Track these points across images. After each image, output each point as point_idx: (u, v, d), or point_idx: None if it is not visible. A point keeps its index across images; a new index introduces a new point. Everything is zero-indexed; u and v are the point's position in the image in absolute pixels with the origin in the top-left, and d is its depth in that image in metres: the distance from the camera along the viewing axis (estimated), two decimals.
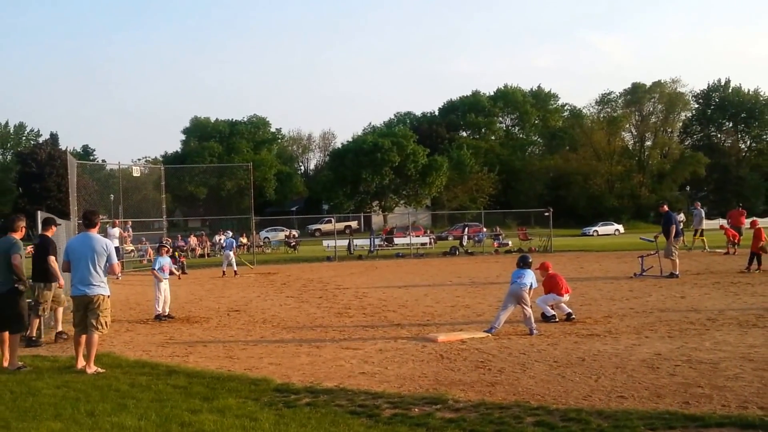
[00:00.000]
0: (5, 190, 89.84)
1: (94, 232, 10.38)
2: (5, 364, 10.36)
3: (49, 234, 12.55)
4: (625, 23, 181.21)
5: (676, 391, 8.47)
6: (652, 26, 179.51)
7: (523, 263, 13.62)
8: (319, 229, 77.30)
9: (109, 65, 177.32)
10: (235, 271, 28.89)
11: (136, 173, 37.37)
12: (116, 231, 26.64)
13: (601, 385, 8.90)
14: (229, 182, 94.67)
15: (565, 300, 14.60)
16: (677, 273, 21.74)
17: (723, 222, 43.29)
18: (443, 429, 7.15)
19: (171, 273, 17.39)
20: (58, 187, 30.79)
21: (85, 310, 10.15)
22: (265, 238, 62.83)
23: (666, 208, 23.60)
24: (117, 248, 27.00)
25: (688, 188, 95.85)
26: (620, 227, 79.15)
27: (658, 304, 16.28)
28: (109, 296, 10.46)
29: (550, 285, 14.74)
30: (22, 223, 10.95)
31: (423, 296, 19.45)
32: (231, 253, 29.69)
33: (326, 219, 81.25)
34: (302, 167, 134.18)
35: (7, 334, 10.37)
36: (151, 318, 16.28)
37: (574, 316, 14.24)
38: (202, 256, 45.43)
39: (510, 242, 44.59)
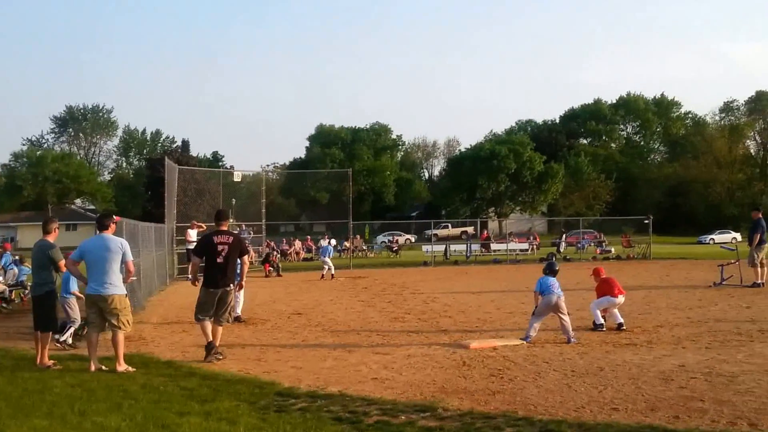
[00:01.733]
0: (136, 194, 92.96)
1: (108, 234, 10.53)
2: (37, 361, 10.61)
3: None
4: (754, 30, 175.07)
5: (675, 404, 8.12)
6: None
7: (551, 271, 13.23)
8: (436, 234, 77.22)
9: (238, 74, 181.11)
10: (332, 275, 29.08)
11: (237, 178, 37.86)
12: (194, 232, 27.04)
13: (602, 396, 8.59)
14: (352, 188, 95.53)
15: (620, 302, 14.13)
16: (760, 282, 20.81)
17: None
18: None
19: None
20: (184, 191, 31.74)
21: (99, 309, 10.31)
22: (382, 241, 63.09)
23: (759, 214, 22.34)
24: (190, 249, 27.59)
25: None
26: (737, 235, 76.31)
27: (718, 314, 15.62)
28: (126, 295, 10.62)
29: (604, 288, 14.31)
30: (55, 225, 11.20)
31: (489, 302, 19.14)
32: (327, 258, 30.02)
33: (443, 224, 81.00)
34: (425, 173, 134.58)
35: (39, 332, 10.62)
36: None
37: (624, 327, 13.75)
38: (306, 259, 45.88)
39: (613, 249, 43.51)
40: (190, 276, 12.26)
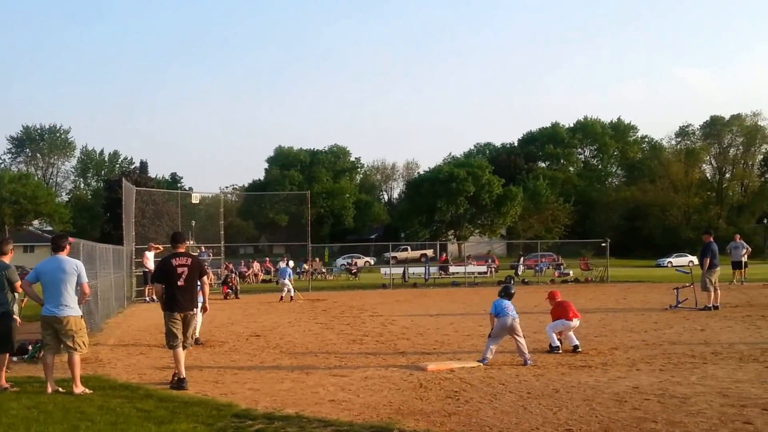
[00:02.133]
0: (95, 216, 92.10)
1: (63, 255, 10.49)
2: None
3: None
4: (707, 56, 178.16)
5: (628, 425, 8.21)
6: (735, 59, 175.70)
7: (506, 294, 13.36)
8: (395, 257, 77.22)
9: (197, 95, 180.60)
10: (291, 297, 29.05)
11: (195, 200, 37.74)
12: (152, 254, 26.97)
13: (556, 417, 8.65)
14: (311, 210, 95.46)
15: (574, 325, 14.23)
16: (712, 305, 21.06)
17: None
18: None
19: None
20: (142, 213, 31.52)
21: (54, 331, 10.25)
22: (341, 264, 63.13)
23: (710, 238, 22.57)
24: (151, 272, 27.44)
25: (765, 221, 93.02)
26: (694, 259, 77.06)
27: (673, 337, 15.78)
28: (81, 317, 10.56)
29: (559, 312, 14.41)
30: (10, 246, 11.12)
31: (447, 324, 19.17)
32: (286, 280, 29.99)
33: (402, 247, 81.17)
34: (385, 196, 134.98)
35: None
36: None
37: (580, 349, 13.86)
38: (265, 281, 45.77)
39: (571, 272, 43.81)
40: (161, 303, 11.63)
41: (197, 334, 15.56)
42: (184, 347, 11.04)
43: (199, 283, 11.29)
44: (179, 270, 10.97)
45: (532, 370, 12.04)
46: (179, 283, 10.95)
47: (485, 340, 13.30)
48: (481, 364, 12.47)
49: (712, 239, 22.35)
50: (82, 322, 10.53)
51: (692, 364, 12.22)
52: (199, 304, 11.47)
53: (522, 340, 12.77)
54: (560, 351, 13.80)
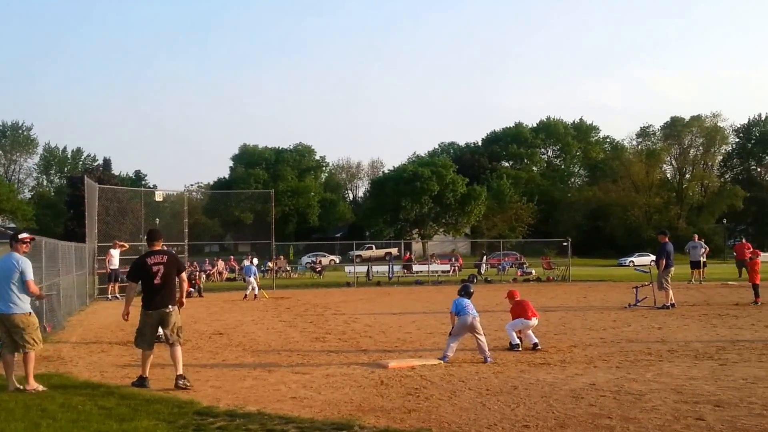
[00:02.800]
0: (59, 213, 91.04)
1: (13, 253, 10.49)
2: None
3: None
4: (670, 58, 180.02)
5: (584, 421, 8.34)
6: (696, 62, 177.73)
7: (465, 293, 13.51)
8: (360, 255, 77.23)
9: (162, 93, 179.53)
10: (255, 295, 29.06)
11: (158, 198, 37.48)
12: (116, 252, 26.90)
13: (514, 413, 8.78)
14: (275, 208, 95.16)
15: (533, 324, 14.41)
16: (669, 304, 21.36)
17: None
18: None
19: None
20: (106, 210, 31.23)
21: (6, 329, 10.24)
22: (307, 262, 63.04)
23: (665, 238, 22.92)
24: (115, 270, 27.33)
25: (725, 221, 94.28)
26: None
27: (631, 335, 16.01)
28: (30, 313, 10.49)
29: (518, 311, 14.59)
30: None
31: (410, 323, 19.28)
32: (251, 278, 30.03)
33: (367, 245, 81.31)
34: (350, 194, 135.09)
35: None
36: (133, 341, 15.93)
37: (539, 347, 14.01)
38: (230, 279, 45.67)
39: (533, 271, 44.08)
40: (125, 304, 11.41)
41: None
42: (173, 345, 10.82)
43: (177, 279, 11.19)
44: (155, 268, 10.80)
45: (492, 367, 12.16)
46: (155, 282, 10.79)
47: (447, 338, 13.40)
48: (442, 362, 12.57)
49: (667, 239, 22.70)
50: (30, 319, 10.44)
51: (648, 362, 12.41)
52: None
53: (482, 338, 12.91)
54: (520, 349, 13.94)
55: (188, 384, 10.53)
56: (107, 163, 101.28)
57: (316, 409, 9.15)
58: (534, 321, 14.44)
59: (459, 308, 13.03)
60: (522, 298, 15.19)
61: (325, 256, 74.97)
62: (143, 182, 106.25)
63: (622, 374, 11.24)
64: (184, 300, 11.64)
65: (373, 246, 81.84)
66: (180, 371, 10.69)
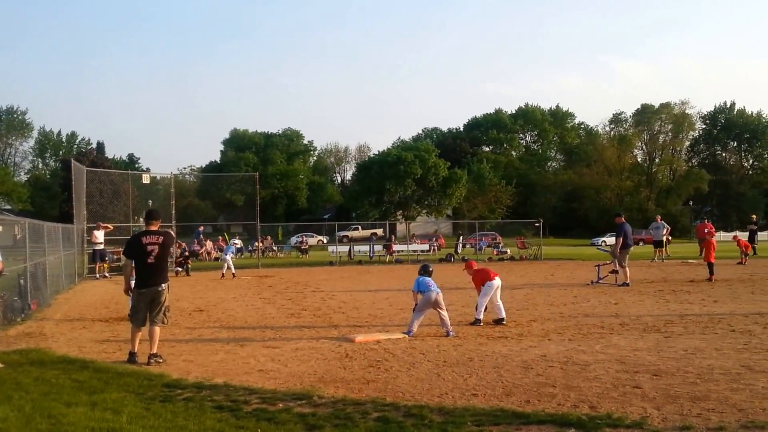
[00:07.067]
0: (54, 195, 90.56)
1: None
2: None
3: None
4: (642, 48, 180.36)
5: (530, 390, 8.48)
6: (667, 51, 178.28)
7: (425, 272, 13.59)
8: (347, 236, 77.12)
9: (156, 80, 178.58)
10: (233, 274, 28.92)
11: (146, 180, 37.33)
12: (101, 233, 26.91)
13: (465, 383, 8.91)
14: (264, 191, 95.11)
15: (498, 283, 14.39)
16: (628, 282, 21.46)
17: (738, 234, 43.22)
18: (288, 422, 7.19)
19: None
20: (100, 193, 31.13)
21: None
22: (295, 242, 62.99)
23: (621, 219, 22.99)
24: (101, 250, 27.31)
25: (691, 203, 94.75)
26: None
27: (588, 310, 16.17)
28: None
29: (481, 275, 14.59)
30: None
31: (383, 300, 19.35)
32: (227, 256, 29.95)
33: (353, 226, 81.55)
34: (338, 178, 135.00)
35: None
36: (116, 317, 15.87)
37: (504, 321, 14.11)
38: (218, 259, 45.65)
39: (508, 250, 44.19)
40: (124, 280, 11.43)
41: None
42: (154, 323, 10.78)
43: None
44: (149, 248, 10.76)
45: (453, 341, 12.30)
46: (149, 261, 10.75)
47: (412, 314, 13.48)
48: (407, 336, 12.69)
49: (624, 220, 22.83)
50: None
51: (599, 335, 12.57)
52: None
53: (445, 313, 13.03)
54: (481, 324, 14.01)
55: (160, 361, 10.53)
56: (101, 146, 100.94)
57: (280, 380, 9.25)
58: (497, 280, 14.43)
59: (422, 286, 13.14)
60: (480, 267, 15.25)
61: (312, 237, 74.99)
62: (137, 165, 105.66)
63: (572, 346, 11.39)
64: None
65: (359, 227, 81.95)
66: (154, 350, 10.69)
